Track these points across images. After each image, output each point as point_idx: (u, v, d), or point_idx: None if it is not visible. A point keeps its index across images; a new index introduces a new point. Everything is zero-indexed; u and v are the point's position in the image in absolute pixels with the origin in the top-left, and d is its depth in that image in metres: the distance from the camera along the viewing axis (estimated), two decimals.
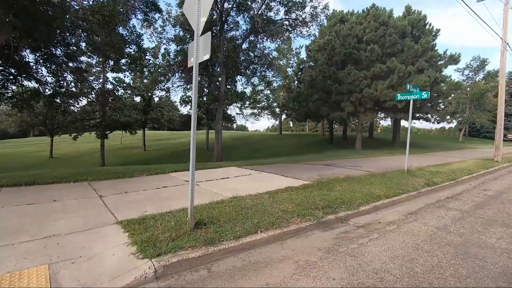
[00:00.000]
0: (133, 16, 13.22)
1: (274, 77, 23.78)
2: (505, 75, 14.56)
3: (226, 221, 3.68)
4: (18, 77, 12.22)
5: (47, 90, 14.07)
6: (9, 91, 12.93)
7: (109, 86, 21.85)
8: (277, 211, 4.21)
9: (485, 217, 4.73)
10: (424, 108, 22.16)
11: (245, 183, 6.50)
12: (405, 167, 8.66)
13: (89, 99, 21.27)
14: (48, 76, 13.26)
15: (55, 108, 17.40)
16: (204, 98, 22.04)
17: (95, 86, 20.08)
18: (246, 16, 16.59)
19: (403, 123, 33.76)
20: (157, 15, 15.09)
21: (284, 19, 16.77)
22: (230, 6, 16.20)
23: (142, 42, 14.30)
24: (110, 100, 21.34)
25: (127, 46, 13.43)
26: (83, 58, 15.62)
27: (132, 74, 19.78)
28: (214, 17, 15.89)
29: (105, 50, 11.99)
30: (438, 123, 33.30)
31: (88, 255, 2.79)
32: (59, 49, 11.95)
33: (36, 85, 13.48)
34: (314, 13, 16.21)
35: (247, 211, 4.14)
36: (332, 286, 2.50)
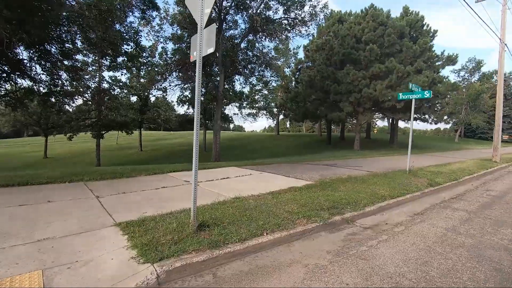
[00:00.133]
0: (130, 13, 13.00)
1: (272, 76, 23.67)
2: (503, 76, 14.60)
3: (230, 222, 3.53)
4: (12, 75, 11.87)
5: (41, 89, 13.74)
6: (2, 89, 12.59)
7: (105, 85, 21.51)
8: (282, 212, 4.07)
9: (493, 218, 4.63)
10: (422, 109, 22.22)
11: (247, 183, 6.34)
12: (406, 167, 8.59)
13: (84, 98, 20.96)
14: (43, 74, 12.94)
15: (49, 107, 17.04)
16: (202, 98, 21.84)
17: (91, 85, 19.77)
18: (244, 14, 16.46)
19: (400, 124, 33.89)
20: (154, 13, 14.87)
21: (283, 18, 16.65)
22: (229, 4, 16.05)
23: (140, 38, 14.04)
24: (106, 99, 21.04)
25: (124, 42, 13.17)
26: (79, 57, 15.33)
27: (129, 74, 19.52)
28: (213, 15, 15.72)
29: (102, 46, 11.70)
30: (435, 123, 33.49)
31: (85, 260, 2.61)
32: (54, 47, 11.65)
33: (30, 84, 13.15)
34: (313, 12, 16.12)
35: (251, 212, 3.99)
36: None
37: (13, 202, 4.33)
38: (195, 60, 3.31)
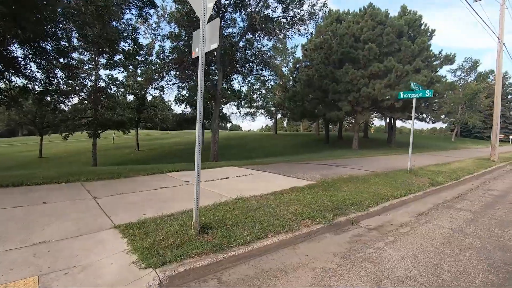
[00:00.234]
0: (128, 10, 12.79)
1: (270, 75, 23.56)
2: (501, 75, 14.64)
3: (233, 224, 3.42)
4: (5, 73, 11.61)
5: (36, 87, 13.48)
6: None
7: (102, 84, 21.23)
8: (285, 213, 3.97)
9: (497, 218, 4.58)
10: (420, 108, 22.29)
11: (247, 183, 6.24)
12: (406, 166, 8.56)
13: (80, 97, 20.63)
14: (38, 72, 12.68)
15: (45, 106, 16.77)
16: None
17: (87, 83, 19.47)
18: (243, 13, 16.32)
19: (396, 123, 33.95)
20: (152, 11, 14.67)
21: (282, 17, 16.54)
22: (227, 2, 15.91)
23: (138, 36, 13.83)
24: (102, 98, 20.75)
25: (122, 40, 12.95)
26: (75, 55, 15.08)
27: (126, 72, 19.24)
28: (211, 13, 15.57)
29: (99, 43, 11.47)
30: (433, 123, 33.69)
31: (83, 265, 2.49)
32: (49, 44, 11.42)
33: (25, 82, 12.89)
34: (313, 11, 16.04)
35: (254, 213, 3.88)
36: None
37: (7, 204, 4.18)
38: (196, 57, 3.20)
